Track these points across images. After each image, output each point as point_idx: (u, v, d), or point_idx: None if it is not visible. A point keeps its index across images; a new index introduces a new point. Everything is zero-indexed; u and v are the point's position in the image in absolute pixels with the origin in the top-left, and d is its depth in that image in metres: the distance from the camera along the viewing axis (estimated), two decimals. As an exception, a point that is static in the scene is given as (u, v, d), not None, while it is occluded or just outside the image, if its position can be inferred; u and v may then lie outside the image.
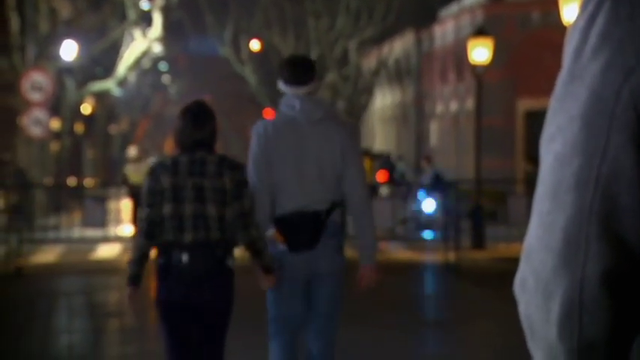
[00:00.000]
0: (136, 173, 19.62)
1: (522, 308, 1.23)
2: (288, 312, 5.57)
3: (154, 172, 5.41)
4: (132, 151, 19.81)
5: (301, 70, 5.60)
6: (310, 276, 5.56)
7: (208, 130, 5.41)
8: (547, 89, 25.77)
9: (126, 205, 23.80)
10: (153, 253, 5.49)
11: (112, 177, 48.07)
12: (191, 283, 5.29)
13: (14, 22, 27.14)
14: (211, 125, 5.44)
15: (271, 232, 5.57)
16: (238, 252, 5.61)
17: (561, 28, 21.51)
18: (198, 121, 5.40)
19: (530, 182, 20.80)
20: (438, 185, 22.43)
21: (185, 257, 5.28)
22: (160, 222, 5.36)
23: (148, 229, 5.36)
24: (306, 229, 5.50)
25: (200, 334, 5.41)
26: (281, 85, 5.67)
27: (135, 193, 19.33)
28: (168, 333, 5.41)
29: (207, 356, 5.43)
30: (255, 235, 5.37)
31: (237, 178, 5.35)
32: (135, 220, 19.08)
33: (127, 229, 21.24)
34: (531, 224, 1.23)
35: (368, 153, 33.76)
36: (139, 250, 5.37)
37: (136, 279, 5.40)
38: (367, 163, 31.46)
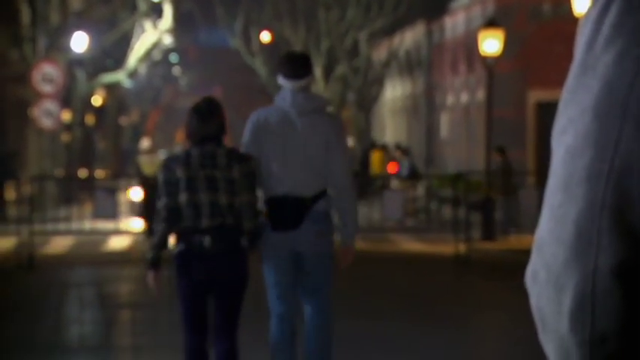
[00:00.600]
0: (148, 164, 19.54)
1: (534, 300, 1.23)
2: (278, 283, 6.16)
3: (167, 165, 5.94)
4: (145, 142, 19.80)
5: (298, 65, 6.18)
6: (294, 256, 6.13)
7: (216, 125, 5.93)
8: (558, 80, 25.68)
9: (137, 196, 23.68)
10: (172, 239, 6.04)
11: (122, 168, 48.14)
12: (210, 263, 5.84)
13: (25, 14, 27.17)
14: (219, 120, 5.96)
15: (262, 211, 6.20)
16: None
17: (572, 19, 21.43)
18: (206, 117, 5.91)
19: (497, 172, 20.62)
20: (414, 176, 22.36)
21: (206, 240, 5.82)
22: (177, 210, 5.88)
23: (168, 216, 5.88)
24: (288, 212, 6.07)
25: (218, 307, 5.95)
26: (280, 79, 6.26)
27: (147, 185, 19.27)
28: (186, 309, 5.96)
29: (225, 328, 5.96)
30: (259, 224, 5.99)
31: (245, 169, 5.90)
32: (144, 212, 19.13)
33: (137, 222, 21.23)
34: (542, 217, 1.22)
35: (374, 144, 33.74)
36: (160, 235, 5.89)
37: (156, 263, 5.95)
38: (379, 155, 31.42)
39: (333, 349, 6.43)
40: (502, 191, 19.95)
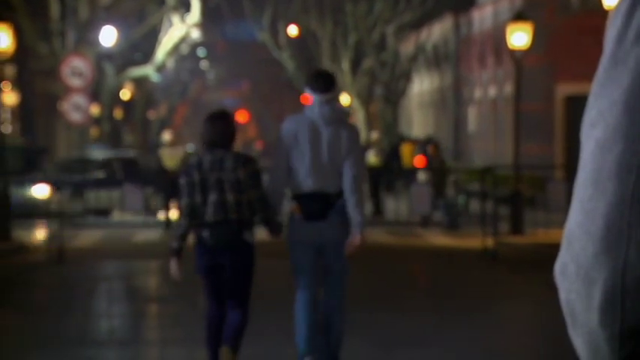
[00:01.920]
0: (170, 157, 19.40)
1: (563, 295, 1.22)
2: (304, 267, 7.29)
3: (187, 171, 7.07)
4: (167, 135, 19.67)
5: (324, 81, 7.29)
6: (320, 243, 7.24)
7: (226, 134, 7.02)
8: (587, 74, 25.54)
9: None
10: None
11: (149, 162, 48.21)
12: (217, 251, 6.99)
13: (54, 8, 27.31)
14: (229, 129, 7.07)
15: (291, 205, 7.31)
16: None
17: (601, 13, 21.31)
18: (217, 126, 7.02)
19: (433, 171, 20.57)
20: None
21: (209, 233, 6.95)
22: (195, 207, 7.00)
23: (189, 213, 7.02)
24: (317, 205, 7.19)
25: (229, 285, 7.10)
26: (308, 92, 7.33)
27: (167, 178, 19.21)
28: (205, 286, 7.17)
29: (235, 305, 7.11)
30: (270, 215, 7.08)
31: (249, 170, 6.98)
32: (168, 205, 19.18)
33: (164, 214, 21.29)
34: (572, 210, 1.22)
35: (404, 138, 33.67)
36: (181, 229, 7.04)
37: (177, 252, 7.06)
38: (410, 149, 31.38)
39: (350, 333, 7.36)
40: (435, 186, 20.41)
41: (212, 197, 6.92)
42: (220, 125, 7.02)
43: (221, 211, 6.90)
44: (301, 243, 7.25)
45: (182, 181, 7.05)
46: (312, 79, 7.36)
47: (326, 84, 7.27)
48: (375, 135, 27.00)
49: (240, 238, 6.97)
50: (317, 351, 7.31)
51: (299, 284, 7.34)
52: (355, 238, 7.27)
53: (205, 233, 6.95)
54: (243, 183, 6.93)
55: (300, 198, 7.23)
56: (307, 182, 7.20)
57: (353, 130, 7.44)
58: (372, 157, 24.19)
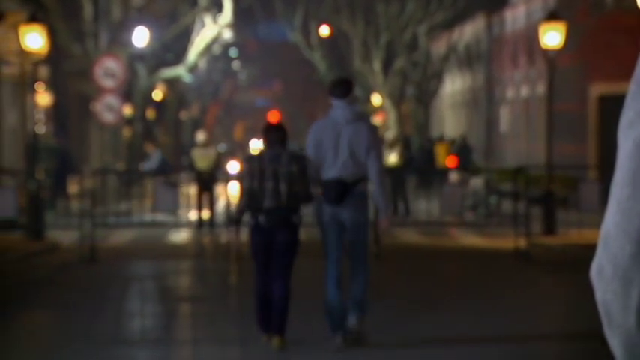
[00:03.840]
0: (202, 158, 19.17)
1: (599, 295, 1.21)
2: (332, 245, 8.75)
3: (249, 161, 8.73)
4: (200, 135, 19.64)
5: (344, 87, 8.79)
6: (342, 222, 8.66)
7: (281, 135, 8.73)
8: (621, 74, 25.35)
9: (193, 191, 23.64)
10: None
11: (182, 162, 48.44)
12: (269, 232, 8.56)
13: (88, 10, 27.48)
14: (284, 132, 8.80)
15: (317, 191, 8.80)
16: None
17: (636, 12, 21.15)
18: (275, 129, 8.76)
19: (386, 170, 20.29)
20: (163, 171, 21.66)
21: (265, 217, 8.52)
22: (252, 192, 8.55)
23: (247, 198, 8.62)
24: (336, 191, 8.61)
25: (276, 261, 8.60)
26: (330, 97, 8.76)
27: (201, 180, 19.18)
28: (255, 260, 8.69)
29: (280, 275, 8.60)
30: (309, 193, 8.56)
31: (300, 165, 8.60)
32: (200, 206, 19.19)
33: (195, 215, 21.35)
34: (609, 210, 1.21)
35: (442, 138, 33.60)
36: (241, 207, 8.70)
37: (237, 222, 8.98)
38: (444, 149, 31.29)
39: (369, 295, 8.65)
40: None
41: (269, 185, 8.50)
42: (276, 130, 8.75)
43: (275, 198, 8.49)
44: (327, 223, 8.67)
45: (245, 170, 8.68)
46: (334, 86, 8.84)
47: (346, 90, 8.75)
48: (391, 135, 26.62)
49: (290, 221, 8.54)
50: (343, 328, 8.61)
51: (328, 259, 8.73)
52: (383, 221, 8.93)
53: (262, 217, 8.51)
54: (293, 176, 8.51)
55: (323, 185, 8.66)
56: (330, 171, 8.65)
57: (372, 127, 8.89)
58: (392, 158, 23.50)
